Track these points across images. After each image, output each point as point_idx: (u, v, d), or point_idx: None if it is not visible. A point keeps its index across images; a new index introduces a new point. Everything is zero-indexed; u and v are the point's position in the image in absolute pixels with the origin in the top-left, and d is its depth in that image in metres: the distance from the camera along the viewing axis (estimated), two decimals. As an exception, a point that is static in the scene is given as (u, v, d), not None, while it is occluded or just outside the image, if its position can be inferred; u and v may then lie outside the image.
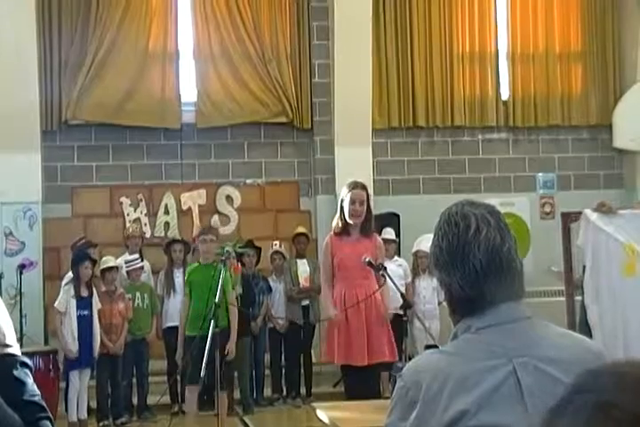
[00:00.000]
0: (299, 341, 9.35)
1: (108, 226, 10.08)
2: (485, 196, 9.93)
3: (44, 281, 9.62)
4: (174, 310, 8.43)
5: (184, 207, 10.29)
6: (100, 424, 8.32)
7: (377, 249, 6.27)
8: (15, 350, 2.26)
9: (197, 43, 10.48)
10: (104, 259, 8.72)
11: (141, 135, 10.28)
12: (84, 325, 8.11)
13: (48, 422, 2.21)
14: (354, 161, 10.01)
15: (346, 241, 6.25)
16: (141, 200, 10.23)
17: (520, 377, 1.75)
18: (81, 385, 8.09)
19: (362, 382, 6.10)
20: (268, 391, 9.30)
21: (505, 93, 11.13)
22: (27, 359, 2.28)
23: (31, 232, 9.65)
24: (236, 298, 8.32)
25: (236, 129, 10.50)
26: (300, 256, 9.62)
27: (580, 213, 6.16)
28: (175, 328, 7.86)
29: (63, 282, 8.31)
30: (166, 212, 10.26)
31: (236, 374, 8.63)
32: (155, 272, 9.31)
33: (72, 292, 8.12)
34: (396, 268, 8.81)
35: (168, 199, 10.27)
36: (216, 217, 10.36)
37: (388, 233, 9.14)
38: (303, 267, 9.49)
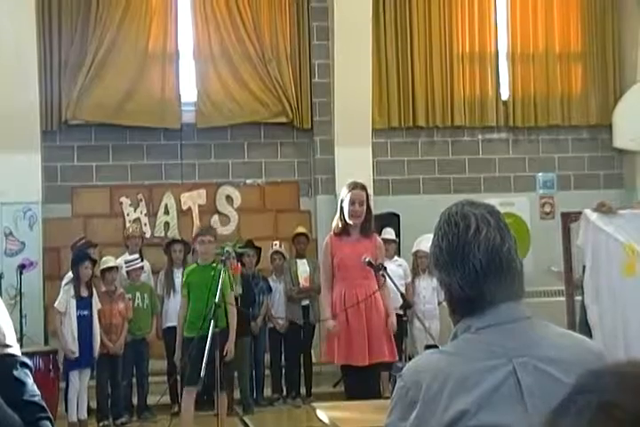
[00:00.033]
0: (299, 341, 9.35)
1: (108, 226, 10.08)
2: (485, 196, 9.93)
3: (44, 281, 9.62)
4: (174, 310, 8.41)
5: (184, 207, 10.29)
6: (100, 424, 8.32)
7: (377, 249, 6.27)
8: (15, 350, 2.26)
9: (197, 43, 10.48)
10: (104, 259, 8.72)
11: (141, 135, 10.28)
12: (84, 325, 8.11)
13: (48, 423, 2.21)
14: (354, 161, 10.01)
15: (346, 241, 6.25)
16: (141, 200, 10.23)
17: (520, 377, 1.75)
18: (81, 385, 8.09)
19: (362, 382, 6.10)
20: (268, 391, 9.30)
21: (505, 93, 11.13)
22: (27, 360, 2.28)
23: (31, 232, 9.65)
24: (236, 298, 8.32)
25: (235, 129, 10.50)
26: (300, 256, 9.62)
27: (579, 213, 6.16)
28: (175, 328, 7.86)
29: (63, 282, 8.31)
30: (166, 212, 10.26)
31: (235, 374, 8.63)
32: (155, 272, 9.31)
33: (72, 292, 8.12)
34: (396, 268, 8.81)
35: (168, 199, 10.27)
36: (216, 217, 10.36)
37: (388, 233, 9.14)
38: (303, 267, 9.50)
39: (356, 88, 10.19)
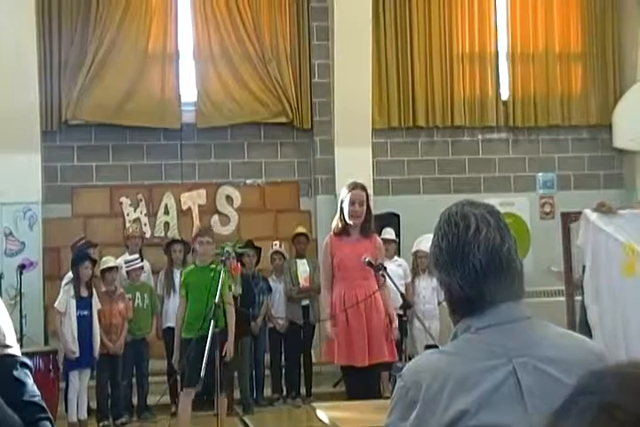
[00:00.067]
0: (299, 341, 9.35)
1: (108, 226, 10.08)
2: (485, 196, 9.94)
3: (44, 281, 9.62)
4: (174, 310, 8.38)
5: (184, 207, 10.29)
6: (100, 424, 8.32)
7: (377, 250, 6.27)
8: (15, 350, 2.26)
9: (197, 43, 10.48)
10: (104, 259, 8.72)
11: (141, 135, 10.28)
12: (84, 325, 8.11)
13: (48, 423, 2.21)
14: (354, 161, 10.01)
15: (345, 241, 6.25)
16: (141, 200, 10.23)
17: (520, 377, 1.75)
18: (81, 385, 8.09)
19: (362, 383, 6.10)
20: (268, 391, 9.30)
21: (505, 93, 11.13)
22: (27, 360, 2.28)
23: (31, 232, 9.65)
24: (236, 298, 8.32)
25: (236, 129, 10.50)
26: (300, 256, 9.62)
27: (579, 213, 6.16)
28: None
29: (63, 282, 8.31)
30: (166, 212, 10.26)
31: (235, 374, 8.63)
32: (155, 272, 9.31)
33: (72, 292, 8.13)
34: (396, 268, 8.81)
35: (168, 199, 10.27)
36: (216, 217, 10.36)
37: (388, 233, 9.14)
38: (303, 267, 9.50)
39: (355, 88, 10.19)
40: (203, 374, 5.74)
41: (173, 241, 9.28)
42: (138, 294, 8.85)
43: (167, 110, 10.27)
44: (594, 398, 1.06)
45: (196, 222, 10.13)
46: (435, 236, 1.91)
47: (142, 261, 9.05)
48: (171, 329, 8.35)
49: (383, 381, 7.73)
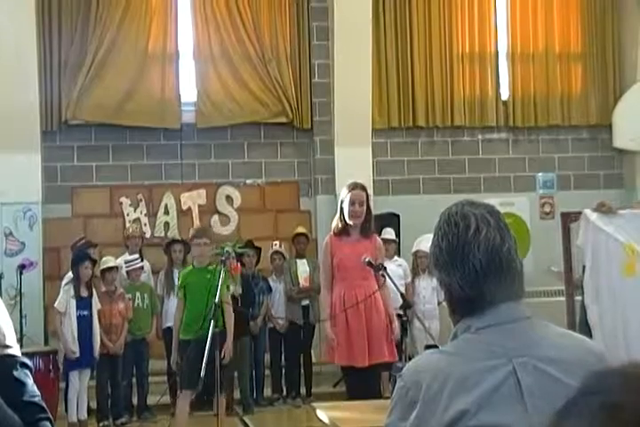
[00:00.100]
0: (299, 341, 9.35)
1: (107, 226, 10.08)
2: (485, 196, 9.94)
3: (44, 281, 9.62)
4: (174, 310, 8.42)
5: (184, 207, 10.29)
6: (100, 425, 8.32)
7: (377, 250, 6.26)
8: (15, 350, 2.26)
9: (197, 43, 10.48)
10: (104, 259, 8.72)
11: (141, 135, 10.28)
12: (84, 325, 8.11)
13: (48, 423, 2.21)
14: (354, 161, 10.01)
15: (345, 241, 6.25)
16: (141, 200, 10.23)
17: (520, 377, 1.75)
18: (81, 385, 8.09)
19: (362, 383, 6.10)
20: (268, 391, 9.30)
21: (505, 93, 11.14)
22: (27, 360, 2.28)
23: (31, 232, 9.65)
24: (236, 298, 8.31)
25: (236, 129, 10.50)
26: (300, 256, 9.62)
27: (579, 213, 6.16)
28: (175, 328, 7.85)
29: (63, 282, 8.31)
30: (166, 212, 10.26)
31: (235, 374, 8.63)
32: (155, 272, 9.31)
33: (72, 292, 8.13)
34: (396, 268, 8.81)
35: (168, 199, 10.27)
36: (216, 217, 10.36)
37: (388, 233, 9.14)
38: (303, 267, 9.50)
39: (356, 88, 10.19)
40: (203, 374, 5.74)
41: (173, 241, 9.28)
42: (138, 294, 8.85)
43: (167, 110, 10.27)
44: (597, 398, 1.06)
45: (196, 222, 10.13)
46: (435, 236, 1.91)
47: (142, 261, 9.05)
48: (171, 329, 8.33)
49: (383, 381, 7.73)
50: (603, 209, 6.05)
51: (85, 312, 8.15)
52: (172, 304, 8.60)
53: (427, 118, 10.82)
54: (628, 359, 1.17)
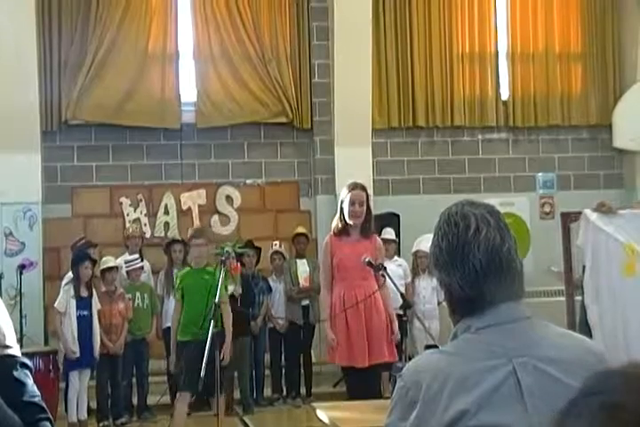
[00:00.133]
0: (299, 341, 9.35)
1: (107, 226, 10.08)
2: (485, 196, 9.94)
3: (44, 281, 9.62)
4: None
5: (184, 207, 10.29)
6: (100, 425, 8.32)
7: (376, 250, 6.26)
8: (15, 350, 2.26)
9: (197, 43, 10.48)
10: (104, 259, 8.72)
11: (141, 135, 10.28)
12: (84, 325, 8.11)
13: (48, 423, 2.21)
14: (354, 161, 10.01)
15: (345, 242, 6.24)
16: (141, 200, 10.23)
17: (520, 377, 1.75)
18: (81, 386, 8.09)
19: (362, 383, 6.10)
20: (268, 391, 9.30)
21: (505, 93, 11.14)
22: (27, 360, 2.28)
23: (31, 232, 9.65)
24: (236, 298, 8.31)
25: (236, 129, 10.50)
26: (300, 256, 9.62)
27: (579, 213, 6.16)
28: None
29: (63, 282, 8.31)
30: (166, 212, 10.27)
31: (236, 374, 8.63)
32: (155, 272, 9.31)
33: (72, 292, 8.13)
34: (396, 268, 8.81)
35: (168, 199, 10.27)
36: (216, 217, 10.36)
37: (388, 233, 9.14)
38: (303, 267, 9.50)
39: (356, 88, 10.19)
40: (202, 374, 5.73)
41: (173, 241, 9.27)
42: (138, 294, 8.85)
43: (167, 110, 10.27)
44: (597, 398, 1.06)
45: (196, 222, 10.13)
46: (435, 236, 1.91)
47: (142, 261, 9.05)
48: (170, 329, 8.34)
49: (383, 381, 7.72)
50: (603, 209, 6.05)
51: (85, 312, 8.15)
52: (172, 304, 8.59)
53: (427, 118, 10.82)
54: (628, 359, 1.17)
